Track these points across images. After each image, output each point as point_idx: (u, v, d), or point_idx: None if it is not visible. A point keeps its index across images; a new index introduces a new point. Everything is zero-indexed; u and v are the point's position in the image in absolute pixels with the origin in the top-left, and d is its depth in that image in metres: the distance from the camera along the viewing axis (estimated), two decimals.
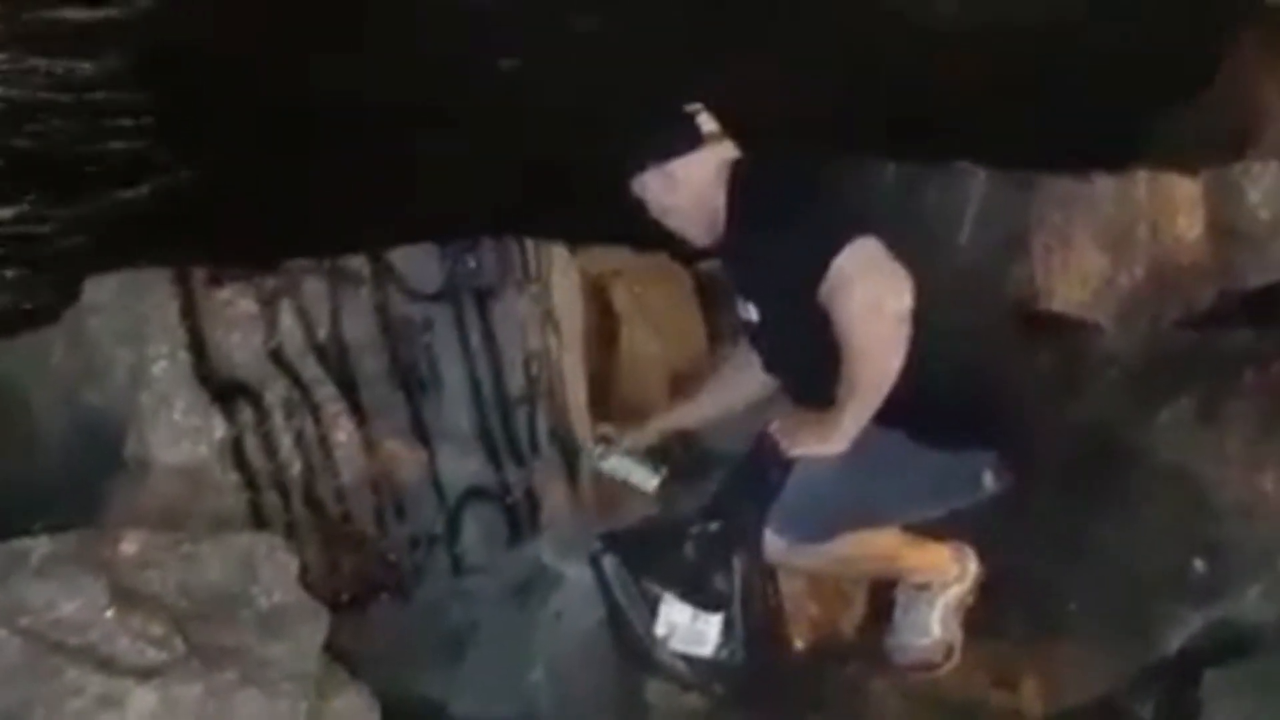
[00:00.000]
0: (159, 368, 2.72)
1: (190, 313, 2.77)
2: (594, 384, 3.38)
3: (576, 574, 2.95)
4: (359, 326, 2.96)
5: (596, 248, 3.92)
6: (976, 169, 4.28)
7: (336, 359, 2.92)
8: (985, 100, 5.28)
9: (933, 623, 2.83)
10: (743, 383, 2.93)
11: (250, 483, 2.77)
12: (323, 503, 2.86)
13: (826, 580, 2.95)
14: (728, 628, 2.52)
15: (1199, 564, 3.04)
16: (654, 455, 2.98)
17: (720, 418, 3.02)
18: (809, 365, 2.51)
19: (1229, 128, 4.96)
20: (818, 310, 2.39)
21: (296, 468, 2.83)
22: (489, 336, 3.09)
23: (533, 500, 3.10)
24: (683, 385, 3.40)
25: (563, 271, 3.31)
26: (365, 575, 2.91)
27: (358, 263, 3.00)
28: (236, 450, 2.76)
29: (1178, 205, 4.29)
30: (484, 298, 3.09)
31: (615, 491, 3.21)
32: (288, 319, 2.88)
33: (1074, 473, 3.27)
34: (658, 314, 4.04)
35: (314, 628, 2.44)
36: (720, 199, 2.56)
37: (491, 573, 3.02)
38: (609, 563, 2.62)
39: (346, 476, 2.89)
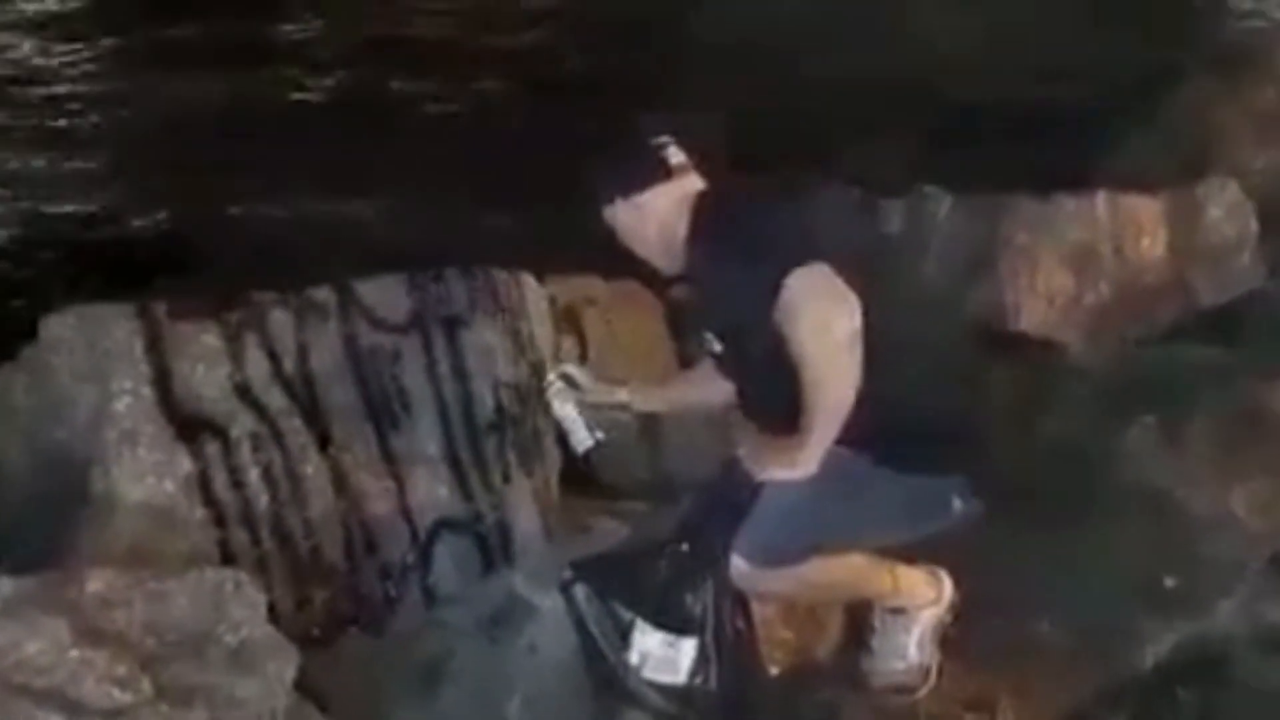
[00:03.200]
0: (122, 404, 2.70)
1: (154, 348, 2.75)
2: None
3: (550, 604, 2.92)
4: (326, 358, 2.95)
5: (568, 276, 3.96)
6: (942, 193, 4.33)
7: (304, 391, 2.91)
8: (951, 125, 5.33)
9: (909, 646, 2.82)
10: (709, 388, 2.92)
11: (218, 519, 2.75)
12: (292, 537, 2.84)
13: (800, 605, 2.94)
14: (701, 654, 2.51)
15: (1169, 580, 3.05)
16: (600, 418, 2.86)
17: (682, 410, 3.09)
18: (770, 392, 2.53)
19: (1189, 148, 5.03)
20: (773, 337, 2.42)
21: (264, 502, 2.81)
22: (458, 366, 3.09)
23: (504, 530, 3.09)
24: None
25: (534, 301, 3.32)
26: (336, 609, 2.89)
27: (324, 294, 2.99)
28: (204, 486, 2.74)
29: (1141, 225, 4.33)
30: (453, 327, 3.09)
31: (586, 518, 3.21)
32: (253, 352, 2.87)
33: (1043, 491, 3.28)
34: (629, 341, 4.05)
35: (283, 664, 2.42)
36: (683, 229, 2.58)
37: (464, 604, 2.99)
38: (580, 592, 2.61)
39: (315, 510, 2.87)
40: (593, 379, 2.91)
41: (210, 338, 2.83)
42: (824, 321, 2.38)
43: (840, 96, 5.62)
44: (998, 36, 6.04)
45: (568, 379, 2.86)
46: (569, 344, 3.80)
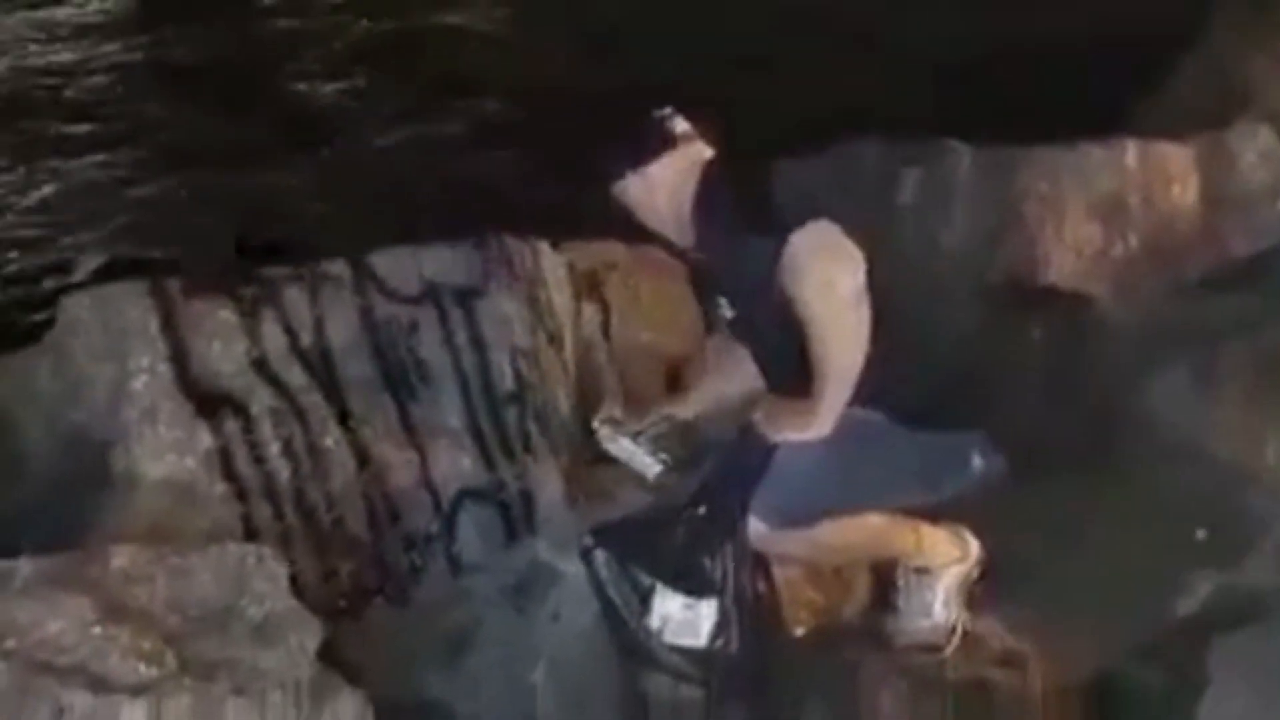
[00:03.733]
0: (140, 382, 2.71)
1: (170, 325, 2.76)
2: (587, 376, 3.40)
3: (574, 571, 2.92)
4: (343, 331, 2.95)
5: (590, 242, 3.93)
6: (962, 146, 4.26)
7: (321, 365, 2.91)
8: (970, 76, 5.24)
9: (935, 604, 2.80)
10: (739, 373, 2.90)
11: (240, 493, 2.76)
12: (315, 510, 2.85)
13: (823, 566, 2.93)
14: (721, 617, 2.50)
15: (1200, 532, 3.01)
16: (656, 443, 2.94)
17: (717, 408, 2.99)
18: (782, 355, 2.51)
19: (1220, 92, 4.92)
20: (781, 298, 2.39)
21: (286, 476, 2.82)
22: (475, 336, 3.08)
23: (527, 498, 3.08)
24: (679, 375, 3.39)
25: (551, 268, 3.30)
26: (361, 580, 2.89)
27: (338, 267, 2.98)
28: (225, 461, 2.75)
29: (1170, 173, 4.24)
30: (468, 297, 3.08)
31: (608, 485, 3.20)
32: (270, 327, 2.87)
33: (1072, 444, 3.24)
34: (652, 305, 4.02)
35: (306, 635, 2.44)
36: (691, 198, 2.56)
37: (489, 573, 2.99)
38: (599, 557, 2.61)
39: (337, 482, 2.88)
40: (630, 411, 2.95)
41: (226, 314, 2.84)
42: (828, 279, 2.35)
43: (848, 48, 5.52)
44: None
45: (612, 421, 2.93)
46: (590, 310, 3.79)
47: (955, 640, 2.81)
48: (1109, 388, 3.61)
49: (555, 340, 3.24)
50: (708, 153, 2.60)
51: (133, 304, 2.75)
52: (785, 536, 2.54)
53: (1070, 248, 4.11)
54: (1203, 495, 3.08)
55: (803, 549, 2.62)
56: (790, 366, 2.46)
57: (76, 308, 2.76)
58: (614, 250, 4.04)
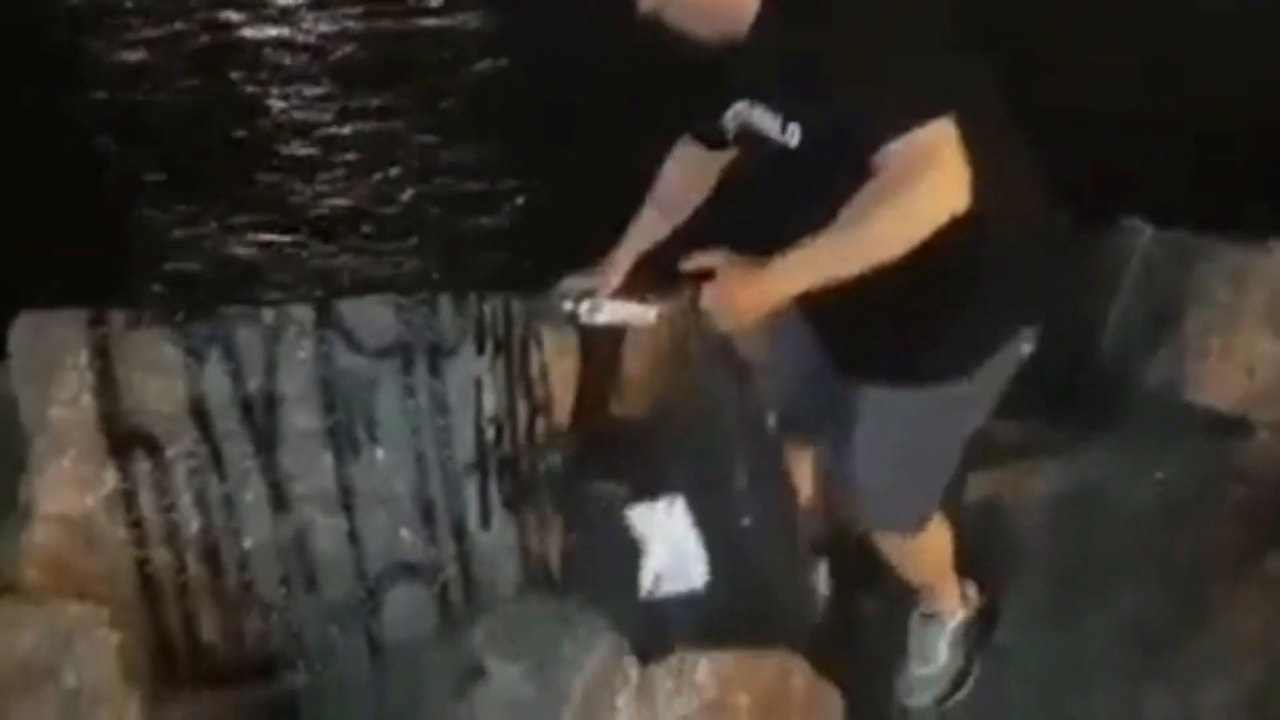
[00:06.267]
0: (58, 412, 2.65)
1: (102, 356, 2.68)
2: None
3: (505, 672, 2.66)
4: (294, 380, 2.78)
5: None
6: (1143, 224, 3.58)
7: (262, 414, 2.76)
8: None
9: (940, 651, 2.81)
10: (693, 182, 2.62)
11: (140, 539, 2.66)
12: (223, 565, 2.71)
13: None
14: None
15: None
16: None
17: (677, 217, 2.68)
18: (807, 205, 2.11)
19: None
20: (859, 158, 2.03)
21: (195, 526, 2.69)
22: (439, 398, 2.83)
23: (469, 580, 2.83)
24: None
25: (552, 328, 3.00)
26: (268, 647, 2.74)
27: (302, 312, 2.82)
28: (127, 504, 2.66)
29: None
30: (438, 356, 2.84)
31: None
32: (215, 368, 2.74)
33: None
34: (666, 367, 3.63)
35: (117, 713, 2.30)
36: None
37: (411, 657, 2.77)
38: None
39: (251, 540, 2.72)
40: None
41: (170, 349, 2.73)
42: (946, 189, 1.99)
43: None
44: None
45: (587, 294, 2.66)
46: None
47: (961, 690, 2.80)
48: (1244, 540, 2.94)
49: (542, 409, 2.95)
50: None
51: (70, 330, 2.69)
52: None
53: (1242, 366, 3.37)
54: None
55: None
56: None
57: (24, 328, 2.74)
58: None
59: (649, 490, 2.53)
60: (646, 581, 2.50)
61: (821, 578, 2.84)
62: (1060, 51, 5.32)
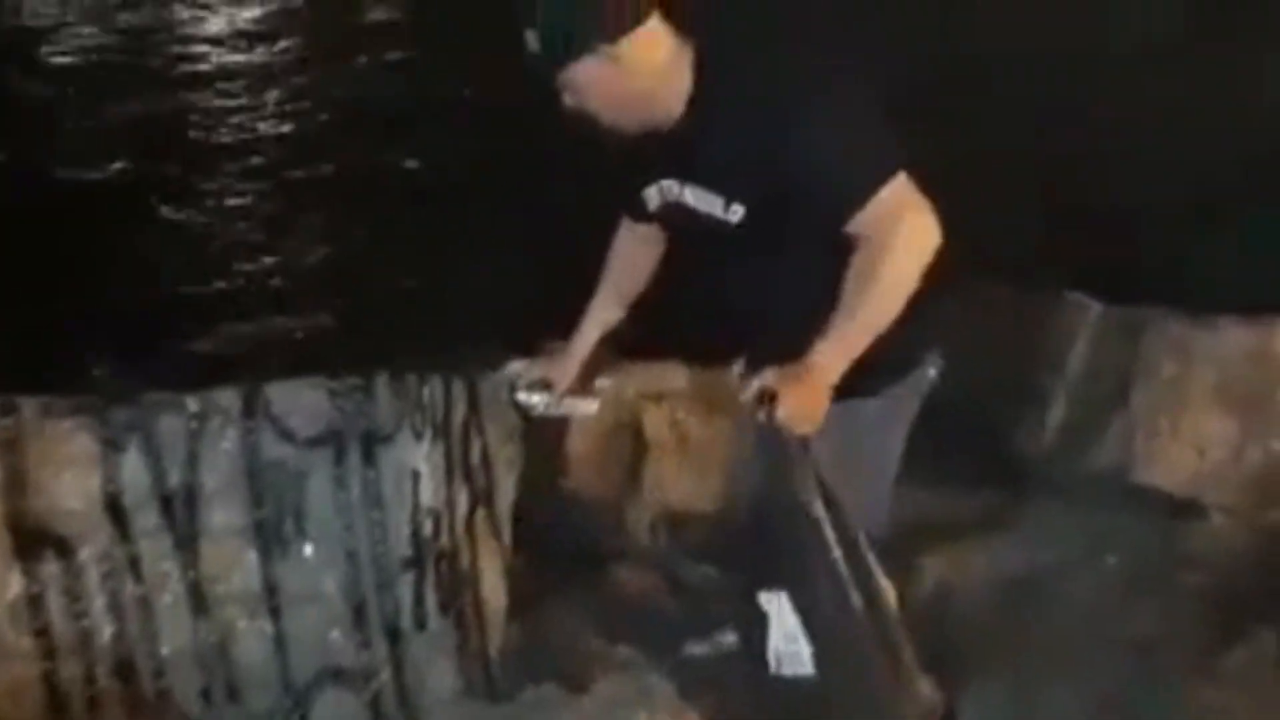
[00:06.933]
0: None
1: (12, 449, 2.49)
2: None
3: None
4: (218, 473, 2.60)
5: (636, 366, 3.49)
6: (1089, 300, 3.55)
7: (183, 509, 2.57)
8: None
9: None
10: (640, 256, 2.65)
11: (48, 650, 2.46)
12: (137, 675, 2.52)
13: None
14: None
15: None
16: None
17: (632, 291, 2.71)
18: (799, 281, 2.29)
19: None
20: (823, 229, 2.20)
21: (108, 634, 2.50)
22: (373, 489, 2.67)
23: (402, 686, 2.66)
24: None
25: (495, 413, 2.86)
26: None
27: (228, 398, 2.65)
28: (34, 611, 2.46)
29: None
30: (372, 444, 2.68)
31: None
32: (133, 460, 2.56)
33: None
34: (700, 447, 3.56)
35: None
36: (682, 82, 2.24)
37: None
38: None
39: (170, 646, 2.54)
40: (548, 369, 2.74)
41: (86, 440, 2.54)
42: (923, 232, 2.18)
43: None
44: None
45: (542, 384, 2.74)
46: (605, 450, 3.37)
47: None
48: (1179, 633, 2.89)
49: (483, 498, 2.81)
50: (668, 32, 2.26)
51: None
52: None
53: (1191, 445, 3.34)
54: None
55: None
56: (798, 300, 2.26)
57: None
58: (668, 376, 3.59)
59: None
60: (771, 661, 2.58)
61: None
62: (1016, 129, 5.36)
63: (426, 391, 2.71)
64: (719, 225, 2.30)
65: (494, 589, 2.82)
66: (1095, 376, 3.47)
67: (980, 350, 3.56)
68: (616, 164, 2.47)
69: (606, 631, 2.97)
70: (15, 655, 2.45)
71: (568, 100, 2.25)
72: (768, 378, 2.22)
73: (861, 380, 2.28)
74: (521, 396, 2.71)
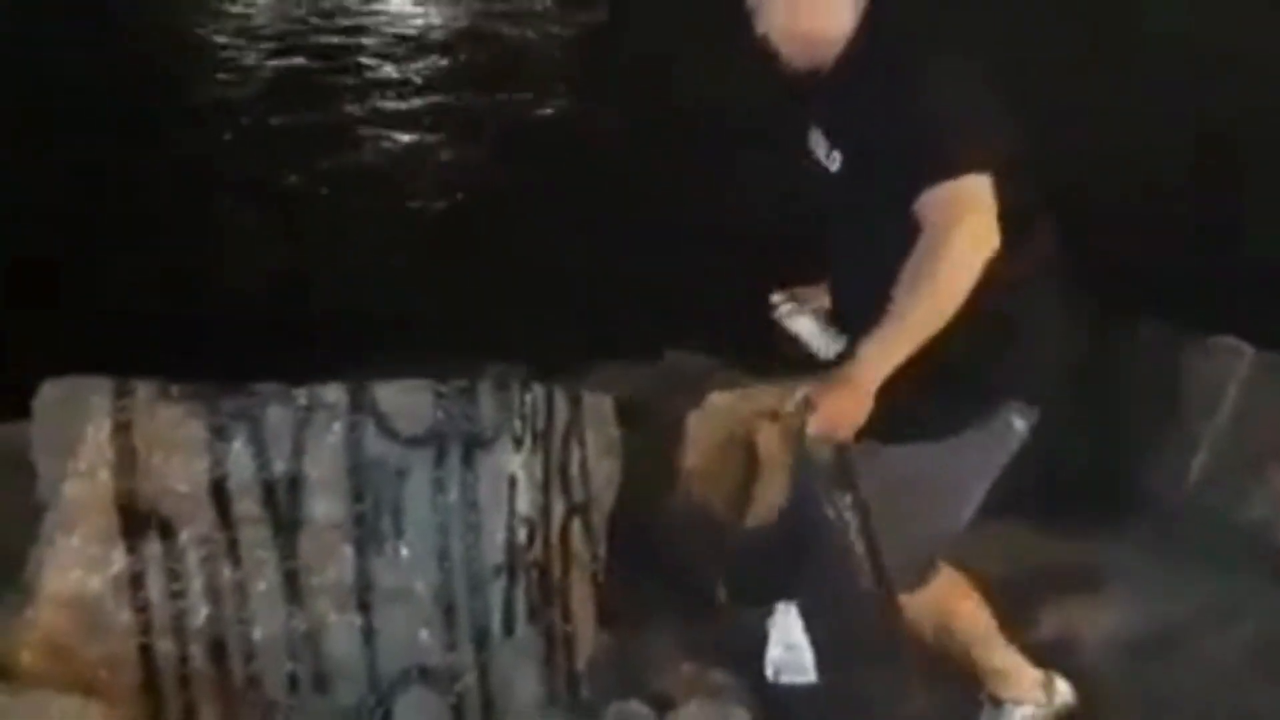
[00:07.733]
0: (72, 486, 2.54)
1: (124, 430, 2.57)
2: None
3: None
4: (321, 465, 2.64)
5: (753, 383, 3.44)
6: (1243, 346, 3.34)
7: (285, 499, 2.63)
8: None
9: None
10: None
11: (145, 626, 2.53)
12: (229, 658, 2.58)
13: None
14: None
15: None
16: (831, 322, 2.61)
17: None
18: (874, 244, 2.26)
19: None
20: (902, 198, 2.18)
21: (203, 615, 2.56)
22: (471, 493, 2.68)
23: (487, 690, 2.65)
24: None
25: (597, 426, 2.84)
26: None
27: (335, 393, 2.69)
28: (135, 588, 2.53)
29: None
30: (473, 448, 2.69)
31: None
32: (240, 448, 2.62)
33: None
34: None
35: None
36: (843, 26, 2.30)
37: None
38: None
39: (260, 632, 2.58)
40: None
41: (195, 426, 2.61)
42: (981, 235, 2.16)
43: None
44: None
45: (793, 298, 2.64)
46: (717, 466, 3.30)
47: None
48: None
49: (579, 510, 2.78)
50: None
51: (95, 401, 2.59)
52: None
53: None
54: None
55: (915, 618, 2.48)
56: (873, 263, 2.23)
57: (48, 395, 2.65)
58: (784, 394, 3.51)
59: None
60: (769, 671, 2.55)
61: None
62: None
63: (529, 399, 2.71)
64: (822, 174, 2.35)
65: (583, 601, 2.79)
66: (1245, 425, 3.25)
67: (1123, 391, 3.39)
68: (789, 101, 2.50)
69: (700, 654, 2.90)
70: (115, 629, 2.53)
71: (758, 27, 2.35)
72: (803, 391, 2.24)
73: (922, 417, 2.25)
74: (776, 298, 2.66)
